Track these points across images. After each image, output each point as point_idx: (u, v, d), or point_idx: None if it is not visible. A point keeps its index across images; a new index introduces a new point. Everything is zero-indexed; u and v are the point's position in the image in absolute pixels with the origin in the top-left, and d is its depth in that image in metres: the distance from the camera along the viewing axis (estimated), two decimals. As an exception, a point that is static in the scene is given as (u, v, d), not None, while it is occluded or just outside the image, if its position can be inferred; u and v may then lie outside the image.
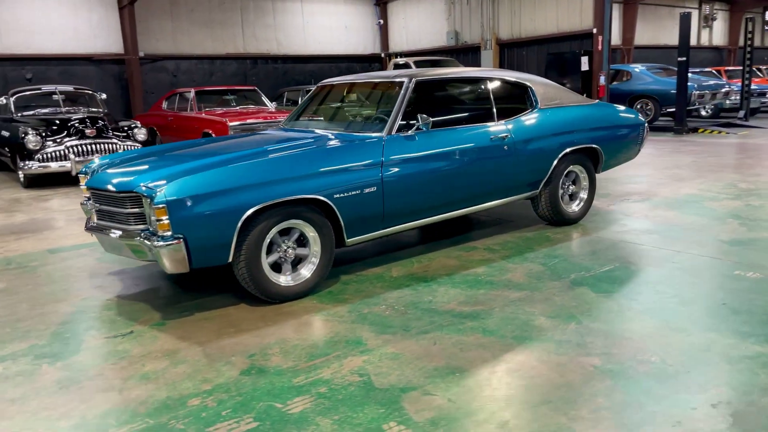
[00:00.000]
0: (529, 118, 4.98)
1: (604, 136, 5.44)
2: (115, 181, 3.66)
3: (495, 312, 3.47)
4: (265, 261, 3.64)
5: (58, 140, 8.90)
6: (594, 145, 5.35)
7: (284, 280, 3.75)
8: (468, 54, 16.53)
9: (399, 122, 4.25)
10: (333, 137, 4.26)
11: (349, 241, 4.03)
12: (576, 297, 3.65)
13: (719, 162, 8.75)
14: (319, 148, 3.95)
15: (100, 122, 9.36)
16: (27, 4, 13.37)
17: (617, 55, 18.47)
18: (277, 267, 3.75)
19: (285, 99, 13.66)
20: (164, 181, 3.34)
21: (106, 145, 9.07)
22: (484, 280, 4.02)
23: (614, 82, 15.45)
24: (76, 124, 9.16)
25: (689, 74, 12.33)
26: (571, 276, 4.03)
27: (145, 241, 3.34)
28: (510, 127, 4.80)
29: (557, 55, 13.53)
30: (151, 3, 14.81)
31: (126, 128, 9.59)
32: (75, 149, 8.85)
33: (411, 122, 4.31)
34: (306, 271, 3.83)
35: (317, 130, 4.55)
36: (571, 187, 5.41)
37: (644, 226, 5.25)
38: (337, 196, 3.80)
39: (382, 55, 18.76)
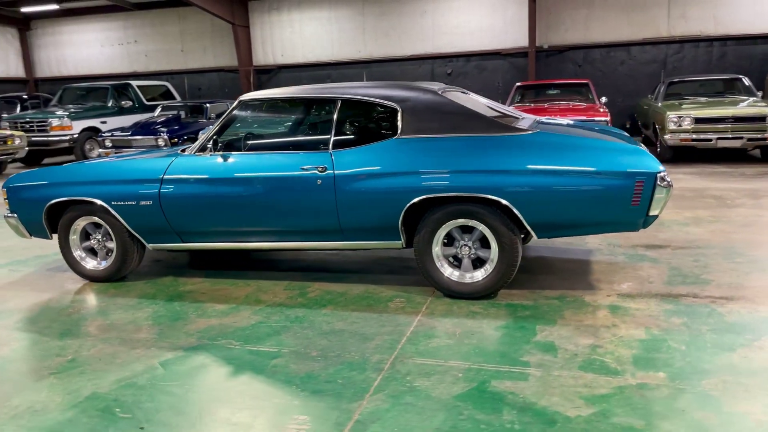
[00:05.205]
0: (370, 150, 3.89)
1: (520, 185, 3.59)
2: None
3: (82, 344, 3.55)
4: (77, 245, 4.65)
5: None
6: (495, 197, 3.62)
7: (93, 265, 4.67)
8: None
9: (205, 142, 4.31)
10: (156, 153, 4.72)
11: (149, 246, 4.53)
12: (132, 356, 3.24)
13: None
14: (119, 160, 4.57)
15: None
16: (455, 11, 15.59)
17: None
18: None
19: (664, 91, 11.44)
20: (25, 174, 4.83)
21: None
22: (180, 314, 3.85)
23: None
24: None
25: None
26: (202, 341, 3.40)
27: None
28: (334, 158, 3.94)
29: None
30: (566, -7, 14.74)
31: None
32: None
33: (236, 143, 4.30)
34: (106, 263, 4.62)
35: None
36: (469, 249, 3.85)
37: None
38: (115, 203, 4.39)
39: None
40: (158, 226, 4.39)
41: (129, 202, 4.37)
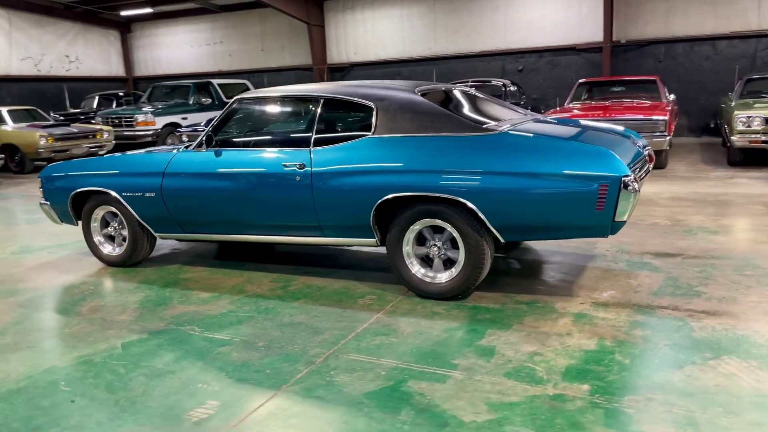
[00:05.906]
0: (344, 148, 3.95)
1: (482, 187, 3.52)
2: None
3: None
4: (97, 232, 5.05)
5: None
6: (457, 198, 3.57)
7: (109, 250, 5.04)
8: None
9: (203, 138, 4.53)
10: (164, 148, 5.00)
11: (157, 235, 4.85)
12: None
13: None
14: (132, 154, 4.90)
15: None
16: (529, 5, 15.16)
17: None
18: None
19: (741, 89, 10.59)
20: (61, 165, 5.29)
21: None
22: (166, 300, 4.09)
23: None
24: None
25: None
26: (145, 324, 3.59)
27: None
28: (313, 155, 4.02)
29: None
30: (647, -15, 13.92)
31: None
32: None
33: (229, 140, 4.52)
34: (119, 249, 4.98)
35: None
36: (438, 249, 3.82)
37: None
38: (125, 194, 4.72)
39: None
40: (162, 216, 4.67)
41: (137, 194, 4.69)
